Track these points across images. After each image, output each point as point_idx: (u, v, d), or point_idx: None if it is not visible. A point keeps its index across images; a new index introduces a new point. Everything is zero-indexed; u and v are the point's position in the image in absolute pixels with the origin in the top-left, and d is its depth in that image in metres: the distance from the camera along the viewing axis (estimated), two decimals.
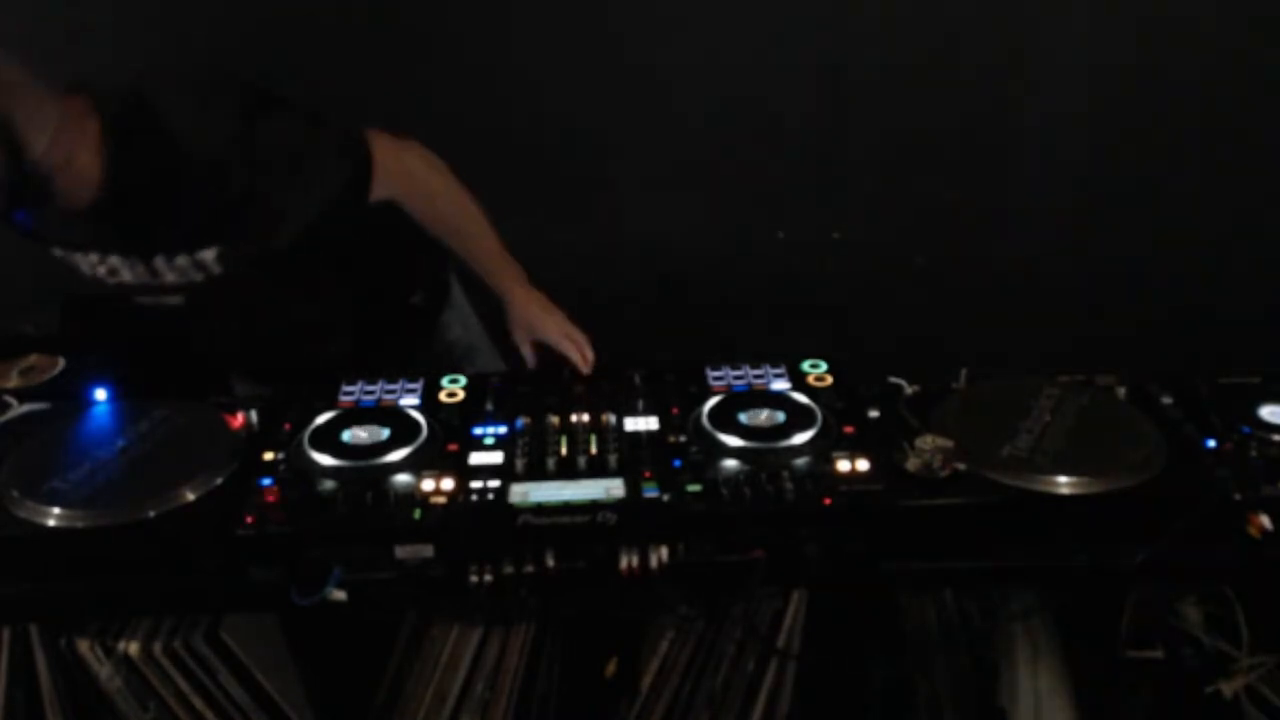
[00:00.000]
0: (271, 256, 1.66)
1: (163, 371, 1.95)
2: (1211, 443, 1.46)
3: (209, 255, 1.63)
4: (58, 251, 1.65)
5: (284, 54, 2.20)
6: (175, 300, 1.68)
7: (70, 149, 1.44)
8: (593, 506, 1.35)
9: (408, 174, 1.72)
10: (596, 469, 1.41)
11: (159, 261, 1.62)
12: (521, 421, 1.52)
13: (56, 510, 1.36)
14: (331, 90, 1.88)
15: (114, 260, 1.63)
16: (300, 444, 1.46)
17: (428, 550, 1.34)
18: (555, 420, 1.51)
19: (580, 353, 1.70)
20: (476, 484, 1.39)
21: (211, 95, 1.56)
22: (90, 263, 1.64)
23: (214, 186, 1.54)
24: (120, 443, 1.49)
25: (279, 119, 1.59)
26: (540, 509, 1.35)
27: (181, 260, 1.62)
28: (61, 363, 1.78)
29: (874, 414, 1.52)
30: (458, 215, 1.78)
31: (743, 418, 1.49)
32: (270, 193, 1.59)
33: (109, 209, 1.53)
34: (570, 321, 1.76)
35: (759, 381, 1.60)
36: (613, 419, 1.51)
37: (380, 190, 1.67)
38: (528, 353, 1.80)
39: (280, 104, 1.60)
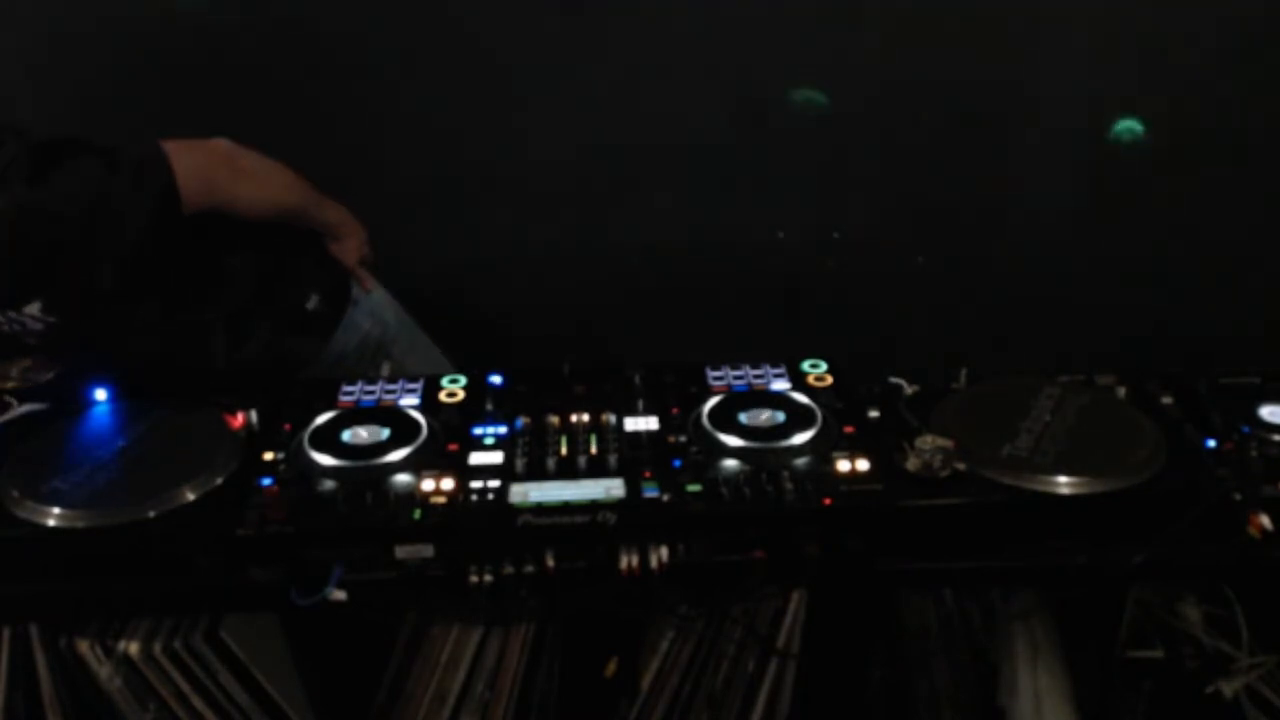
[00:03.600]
0: (104, 298, 1.65)
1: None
2: (1211, 443, 1.46)
3: (34, 309, 1.60)
4: None
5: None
6: (32, 339, 1.65)
7: None
8: (593, 506, 1.35)
9: (213, 175, 1.71)
10: (596, 469, 1.41)
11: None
12: (521, 421, 1.52)
13: (56, 510, 1.36)
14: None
15: None
16: (300, 444, 1.46)
17: (428, 550, 1.34)
18: (555, 420, 1.51)
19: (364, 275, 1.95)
20: (476, 484, 1.39)
21: None
22: None
23: (12, 248, 1.53)
24: (120, 443, 1.49)
25: (67, 168, 1.56)
26: (540, 509, 1.35)
27: (10, 315, 1.60)
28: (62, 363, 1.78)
29: (874, 414, 1.52)
30: (276, 202, 1.83)
31: (743, 418, 1.49)
32: (75, 241, 1.57)
33: None
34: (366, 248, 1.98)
35: (759, 381, 1.60)
36: (613, 419, 1.51)
37: (191, 199, 1.66)
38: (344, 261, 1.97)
39: (68, 146, 1.57)
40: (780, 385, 1.59)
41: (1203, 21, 2.23)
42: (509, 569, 1.33)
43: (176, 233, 1.68)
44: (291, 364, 1.92)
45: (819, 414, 1.49)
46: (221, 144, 1.75)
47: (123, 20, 2.14)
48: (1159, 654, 1.52)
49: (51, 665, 1.45)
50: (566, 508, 1.35)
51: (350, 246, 1.99)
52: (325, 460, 1.43)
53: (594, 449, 1.45)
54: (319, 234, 1.97)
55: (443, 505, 1.36)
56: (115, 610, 1.45)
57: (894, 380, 1.60)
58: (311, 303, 1.96)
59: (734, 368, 1.63)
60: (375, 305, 2.05)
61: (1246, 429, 1.48)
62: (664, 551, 1.34)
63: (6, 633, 1.45)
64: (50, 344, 1.68)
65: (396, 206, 2.27)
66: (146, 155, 1.63)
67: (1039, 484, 1.38)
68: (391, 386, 1.61)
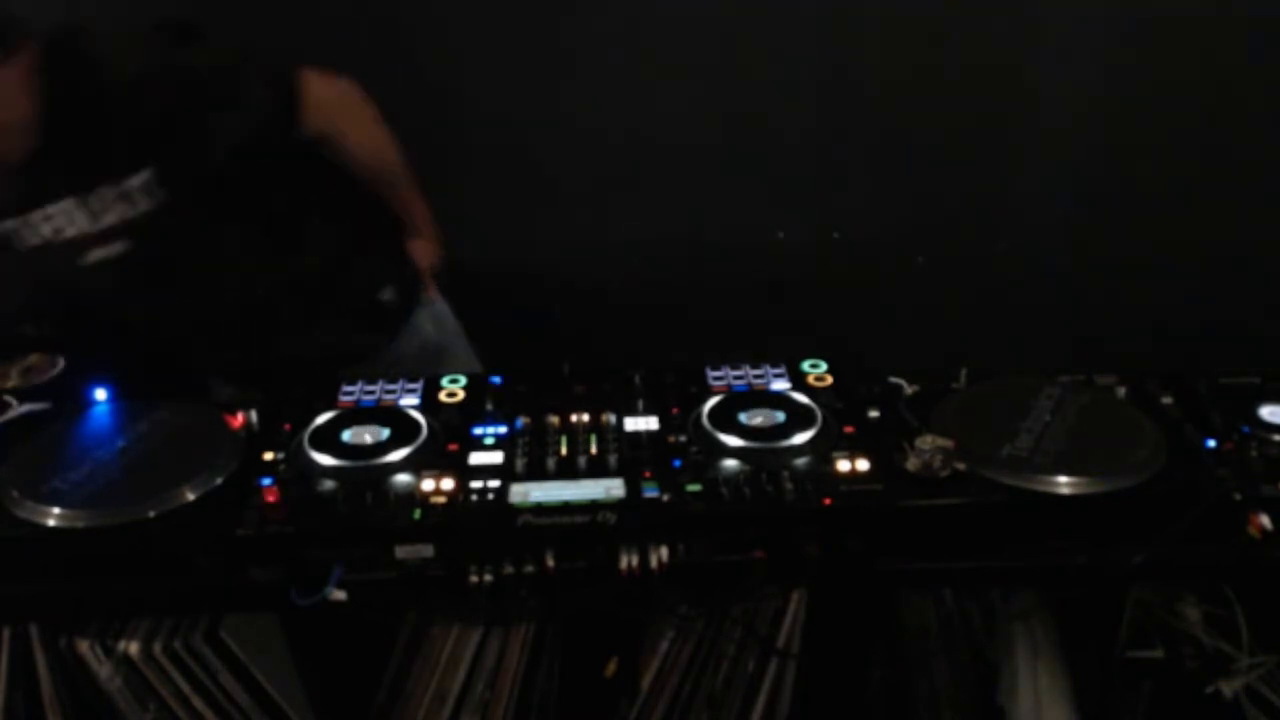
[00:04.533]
0: (207, 187, 1.69)
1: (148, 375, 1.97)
2: (1211, 443, 1.46)
3: (144, 178, 1.64)
4: (7, 225, 1.67)
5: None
6: (120, 249, 1.68)
7: (8, 99, 1.50)
8: (593, 506, 1.35)
9: (338, 107, 1.80)
10: (596, 469, 1.41)
11: (97, 198, 1.64)
12: (521, 421, 1.52)
13: (56, 510, 1.36)
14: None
15: (55, 210, 1.64)
16: (300, 444, 1.46)
17: (428, 550, 1.34)
18: (555, 420, 1.51)
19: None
20: (476, 484, 1.39)
21: (134, 29, 1.66)
22: (36, 224, 1.65)
23: (143, 105, 1.61)
24: (120, 443, 1.49)
25: (204, 47, 1.68)
26: (540, 509, 1.35)
27: (117, 190, 1.64)
28: (61, 363, 1.78)
29: (874, 414, 1.52)
30: (381, 155, 1.89)
31: (743, 418, 1.49)
32: (198, 111, 1.65)
33: (45, 152, 1.58)
34: (429, 258, 2.04)
35: (759, 381, 1.60)
36: (613, 419, 1.51)
37: (312, 120, 1.74)
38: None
39: (205, 38, 1.68)
40: (780, 385, 1.59)
41: (1203, 22, 2.23)
42: (509, 569, 1.33)
43: (287, 148, 1.74)
44: (350, 354, 1.92)
45: (819, 414, 1.49)
46: (353, 85, 1.82)
47: None
48: (1159, 654, 1.52)
49: (51, 665, 1.45)
50: (566, 508, 1.35)
51: (427, 247, 2.02)
52: (325, 460, 1.43)
53: (594, 449, 1.45)
54: (397, 231, 1.98)
55: (443, 505, 1.36)
56: (115, 610, 1.45)
57: (894, 380, 1.60)
58: (386, 294, 1.98)
59: (734, 368, 1.63)
60: (439, 311, 2.07)
61: (1246, 429, 1.48)
62: (664, 551, 1.34)
63: (6, 633, 1.45)
64: (145, 242, 1.68)
65: None
66: (282, 64, 1.73)
67: (1039, 484, 1.38)
68: (391, 386, 1.61)
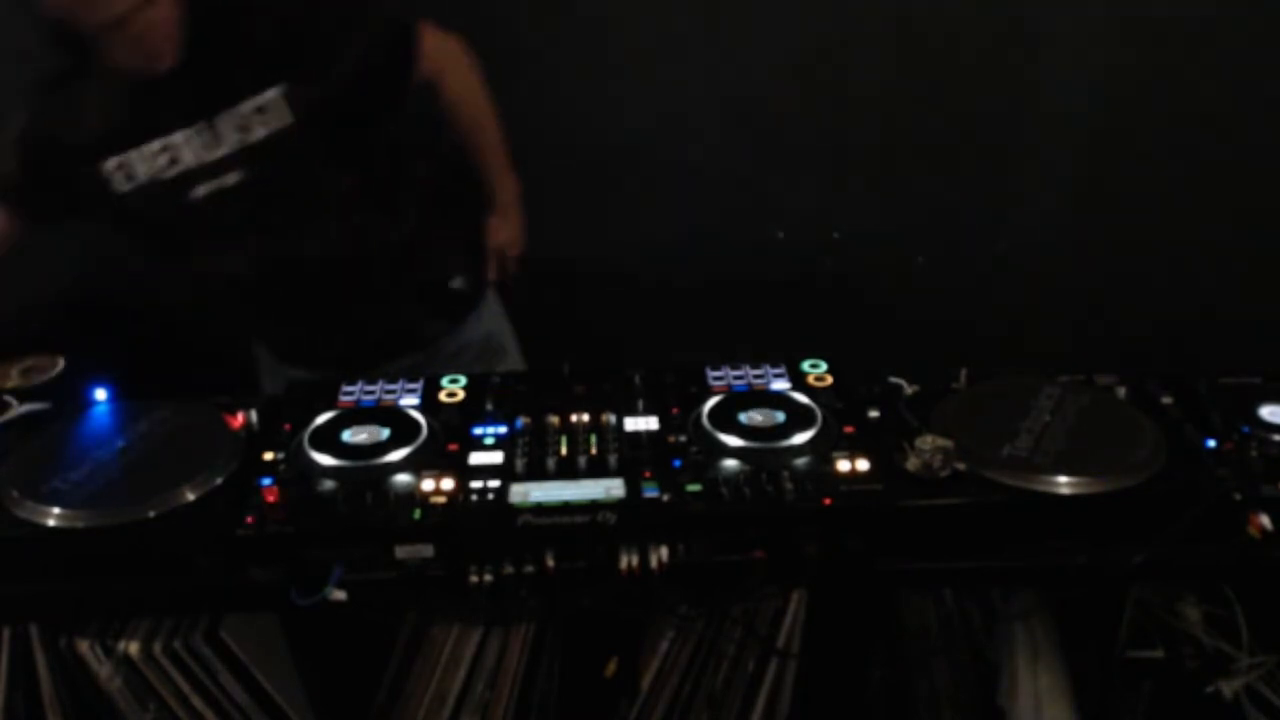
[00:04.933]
0: (325, 118, 1.72)
1: (169, 365, 1.99)
2: (1211, 443, 1.46)
3: (270, 97, 1.68)
4: (109, 162, 1.69)
5: None
6: (232, 179, 1.71)
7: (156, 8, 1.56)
8: (593, 506, 1.35)
9: (450, 56, 1.85)
10: (596, 469, 1.41)
11: (224, 120, 1.68)
12: (521, 421, 1.52)
13: (56, 510, 1.36)
14: None
15: (175, 139, 1.68)
16: (300, 444, 1.46)
17: (428, 550, 1.34)
18: (555, 420, 1.51)
19: (496, 266, 1.94)
20: (476, 484, 1.39)
21: None
22: (149, 156, 1.68)
23: (279, 15, 1.68)
24: (120, 443, 1.49)
25: None
26: (540, 509, 1.35)
27: (238, 116, 1.68)
28: (61, 363, 1.78)
29: (874, 414, 1.52)
30: (482, 113, 1.92)
31: (743, 418, 1.49)
32: (328, 27, 1.71)
33: (179, 71, 1.63)
34: (517, 244, 2.00)
35: (759, 381, 1.60)
36: (613, 419, 1.51)
37: (424, 65, 1.80)
38: (489, 253, 1.98)
39: None
40: (780, 385, 1.59)
41: (1204, 22, 2.23)
42: (509, 569, 1.33)
43: (397, 92, 1.80)
44: (417, 338, 1.95)
45: (819, 414, 1.49)
46: (464, 42, 1.87)
47: None
48: (1159, 654, 1.52)
49: (51, 665, 1.45)
50: (566, 508, 1.35)
51: (507, 232, 1.99)
52: (325, 460, 1.43)
53: (594, 449, 1.45)
54: (476, 220, 1.98)
55: (443, 505, 1.36)
56: (115, 610, 1.45)
57: (894, 380, 1.60)
58: (456, 282, 1.99)
59: (734, 368, 1.63)
60: (499, 317, 2.08)
61: (1246, 429, 1.48)
62: (664, 551, 1.34)
63: (6, 633, 1.45)
64: (258, 172, 1.72)
65: None
66: (403, 15, 1.81)
67: (1039, 484, 1.38)
68: (391, 386, 1.61)
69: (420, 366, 1.91)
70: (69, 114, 1.72)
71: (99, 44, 1.58)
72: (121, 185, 1.73)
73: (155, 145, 1.69)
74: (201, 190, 1.72)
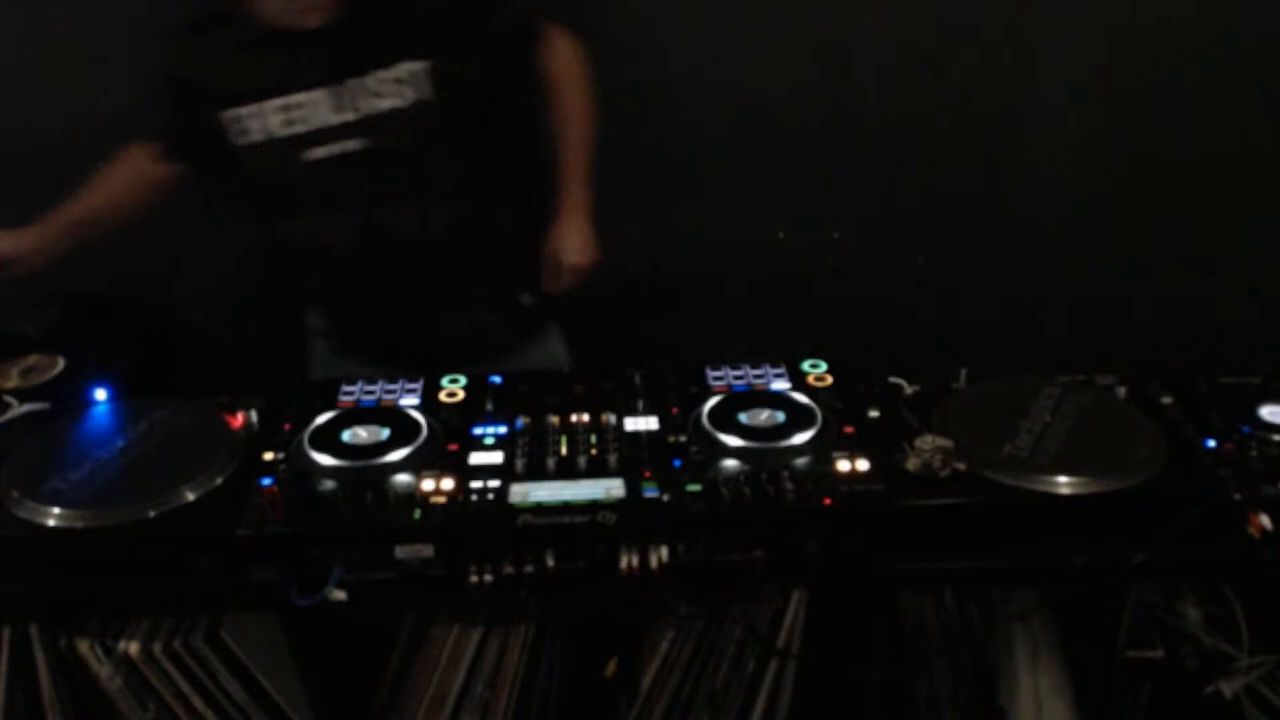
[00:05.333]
0: (454, 100, 1.74)
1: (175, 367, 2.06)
2: (1211, 443, 1.46)
3: (415, 68, 1.70)
4: (230, 113, 1.71)
5: None
6: (354, 145, 1.72)
7: None
8: (593, 506, 1.35)
9: (569, 57, 1.87)
10: (596, 469, 1.41)
11: (357, 86, 1.69)
12: (521, 421, 1.52)
13: (56, 510, 1.36)
14: None
15: (303, 98, 1.69)
16: (300, 444, 1.46)
17: (428, 550, 1.34)
18: (555, 420, 1.51)
19: (559, 274, 1.87)
20: (476, 484, 1.39)
21: None
22: (270, 112, 1.70)
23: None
24: (120, 443, 1.49)
25: None
26: (540, 509, 1.35)
27: (384, 76, 1.69)
28: (61, 363, 1.78)
29: (874, 414, 1.52)
30: (585, 125, 1.91)
31: (743, 418, 1.49)
32: (475, 13, 1.76)
33: (334, 25, 1.65)
34: (586, 251, 1.89)
35: (759, 381, 1.60)
36: (613, 419, 1.51)
37: (544, 61, 1.84)
38: (549, 258, 1.91)
39: None
40: (780, 385, 1.59)
41: (1204, 22, 2.23)
42: (509, 569, 1.33)
43: (524, 83, 1.82)
44: (489, 348, 1.94)
45: (819, 414, 1.49)
46: (583, 50, 1.89)
47: None
48: (1159, 654, 1.52)
49: (51, 665, 1.45)
50: (566, 508, 1.35)
51: (571, 239, 1.91)
52: (325, 460, 1.43)
53: (594, 449, 1.45)
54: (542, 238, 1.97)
55: (443, 505, 1.36)
56: (115, 610, 1.45)
57: (894, 380, 1.60)
58: (526, 298, 1.99)
59: (734, 368, 1.63)
60: (558, 340, 2.07)
61: (1246, 429, 1.48)
62: (664, 551, 1.34)
63: (6, 633, 1.45)
64: (381, 140, 1.73)
65: None
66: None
67: (1039, 484, 1.38)
68: (391, 386, 1.61)
69: None
70: (203, 59, 1.75)
71: None
72: (238, 138, 1.74)
73: (278, 102, 1.70)
74: (319, 153, 1.73)
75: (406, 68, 1.70)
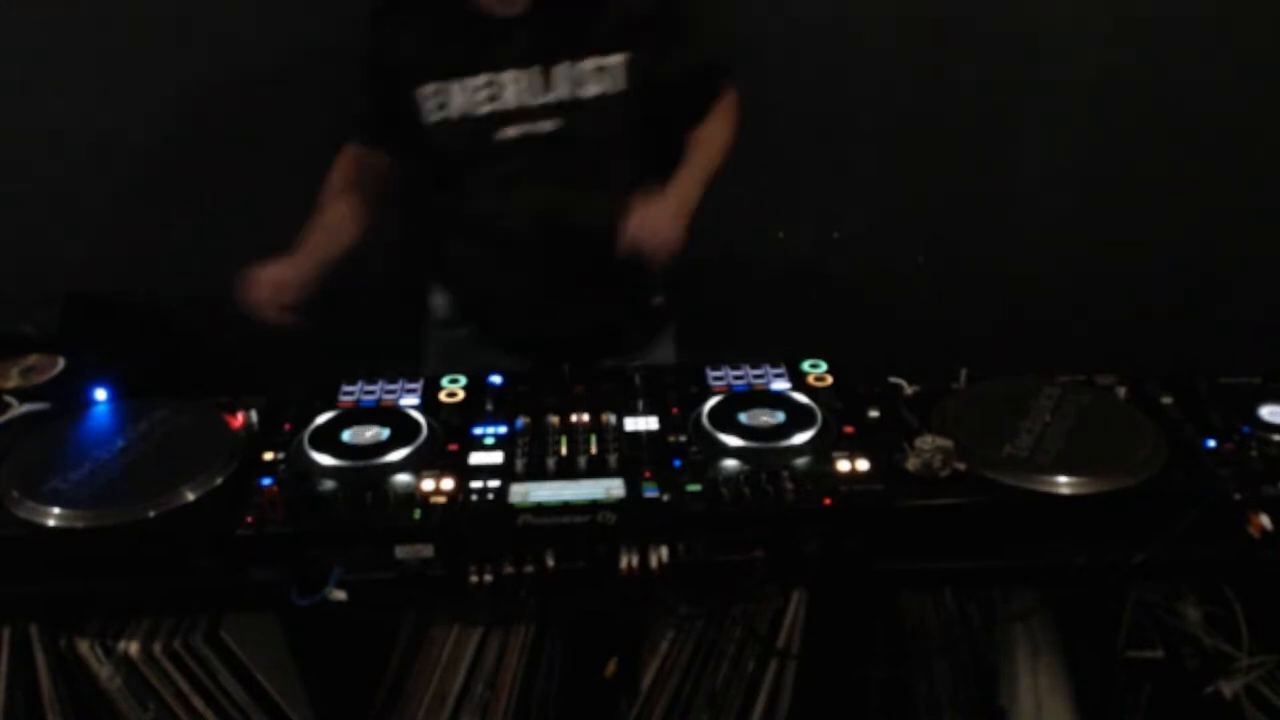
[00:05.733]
0: (645, 97, 1.77)
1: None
2: (1211, 443, 1.46)
3: (618, 60, 1.72)
4: (429, 87, 1.73)
5: None
6: (548, 127, 1.74)
7: None
8: (593, 506, 1.35)
9: (731, 103, 1.91)
10: (596, 469, 1.41)
11: (561, 70, 1.72)
12: (521, 421, 1.52)
13: (56, 510, 1.36)
14: None
15: (504, 77, 1.71)
16: (300, 444, 1.46)
17: (428, 550, 1.34)
18: (555, 420, 1.51)
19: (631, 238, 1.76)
20: (476, 484, 1.39)
21: None
22: (471, 90, 1.72)
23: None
24: (120, 443, 1.49)
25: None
26: (540, 509, 1.35)
27: (588, 64, 1.72)
28: (61, 363, 1.78)
29: (874, 414, 1.52)
30: (722, 142, 1.91)
31: (743, 418, 1.49)
32: (680, 15, 1.77)
33: (541, 9, 1.68)
34: (660, 229, 1.77)
35: (759, 381, 1.60)
36: (613, 419, 1.51)
37: (722, 97, 1.88)
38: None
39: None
40: (780, 385, 1.59)
41: (1204, 22, 2.23)
42: (509, 569, 1.33)
43: (702, 103, 1.86)
44: (617, 340, 1.96)
45: (819, 414, 1.49)
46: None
47: None
48: (1159, 654, 1.52)
49: (51, 665, 1.45)
50: (566, 508, 1.35)
51: (660, 207, 1.82)
52: (325, 460, 1.43)
53: (594, 449, 1.45)
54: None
55: (443, 505, 1.36)
56: (115, 610, 1.45)
57: (894, 380, 1.60)
58: (658, 299, 2.03)
59: (734, 368, 1.63)
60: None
61: (1246, 429, 1.48)
62: (664, 551, 1.34)
63: (6, 633, 1.45)
64: (576, 125, 1.76)
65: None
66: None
67: (1039, 484, 1.38)
68: (391, 386, 1.61)
69: None
70: (397, 34, 1.76)
71: None
72: (432, 114, 1.76)
73: (481, 79, 1.72)
74: (511, 132, 1.75)
75: (611, 57, 1.73)
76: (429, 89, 1.75)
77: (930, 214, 2.43)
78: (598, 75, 1.74)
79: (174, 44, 2.19)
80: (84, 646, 1.42)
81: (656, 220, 1.74)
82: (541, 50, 1.72)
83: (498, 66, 1.72)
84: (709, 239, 2.41)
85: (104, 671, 1.43)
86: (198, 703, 1.46)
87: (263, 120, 2.27)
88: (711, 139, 1.90)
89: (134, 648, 1.42)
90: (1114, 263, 2.44)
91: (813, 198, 2.41)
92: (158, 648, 1.42)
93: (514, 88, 1.73)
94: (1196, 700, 1.51)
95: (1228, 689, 1.50)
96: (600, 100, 1.75)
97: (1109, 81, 2.29)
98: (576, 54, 1.73)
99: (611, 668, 1.55)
